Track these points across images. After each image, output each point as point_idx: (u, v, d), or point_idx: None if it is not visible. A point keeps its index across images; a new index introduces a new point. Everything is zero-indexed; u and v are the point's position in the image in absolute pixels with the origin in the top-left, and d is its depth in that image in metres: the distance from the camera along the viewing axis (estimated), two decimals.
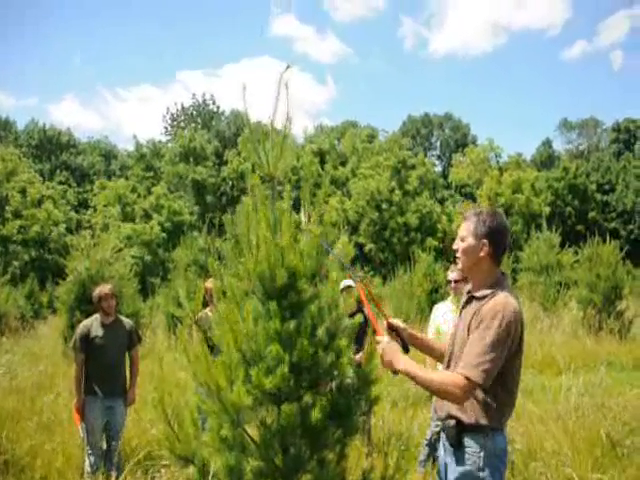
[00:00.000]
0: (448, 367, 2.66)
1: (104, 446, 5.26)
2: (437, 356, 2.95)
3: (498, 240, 2.61)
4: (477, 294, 2.61)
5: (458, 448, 2.53)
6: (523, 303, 16.37)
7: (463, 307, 2.72)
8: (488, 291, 2.57)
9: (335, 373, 2.67)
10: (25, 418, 6.15)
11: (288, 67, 2.83)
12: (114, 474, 4.75)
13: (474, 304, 2.61)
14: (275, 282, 2.56)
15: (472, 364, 2.39)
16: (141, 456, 5.02)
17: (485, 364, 2.38)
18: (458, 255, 2.69)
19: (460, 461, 2.53)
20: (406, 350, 2.70)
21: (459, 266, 2.72)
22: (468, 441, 2.52)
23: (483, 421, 2.50)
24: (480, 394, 2.50)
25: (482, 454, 2.49)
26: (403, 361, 2.52)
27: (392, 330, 2.77)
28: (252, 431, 2.60)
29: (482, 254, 2.60)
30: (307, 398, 2.51)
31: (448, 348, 2.73)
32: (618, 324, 12.91)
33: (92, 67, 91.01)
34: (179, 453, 2.60)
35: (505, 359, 2.46)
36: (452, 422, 2.56)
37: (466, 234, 2.65)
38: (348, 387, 2.71)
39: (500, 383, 2.49)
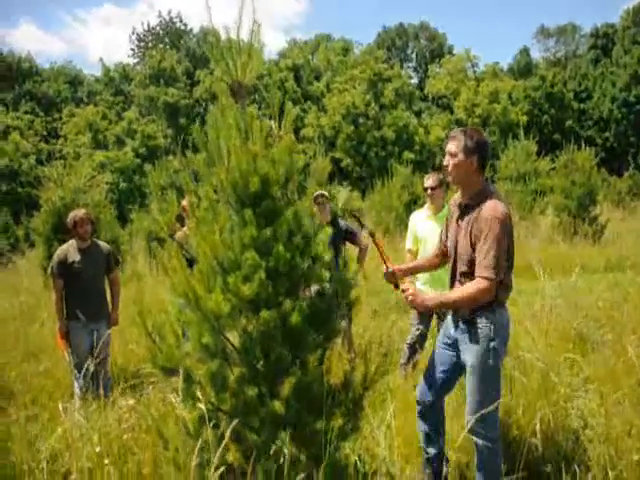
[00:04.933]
0: (455, 265, 3.10)
1: (92, 368, 5.33)
2: (425, 269, 3.69)
3: (484, 153, 3.00)
4: (469, 202, 3.01)
5: (472, 325, 2.97)
6: None
7: (459, 218, 3.09)
8: (478, 199, 2.97)
9: (313, 278, 2.68)
10: (10, 348, 6.17)
11: None
12: (104, 393, 4.84)
13: (469, 214, 3.00)
14: (248, 189, 2.50)
15: (486, 266, 2.84)
16: (128, 375, 5.10)
17: (495, 262, 2.83)
18: (449, 170, 3.04)
19: (474, 335, 2.96)
20: (396, 287, 3.25)
21: (450, 179, 3.10)
22: (480, 318, 2.96)
23: (492, 299, 2.92)
24: None
25: (492, 327, 2.93)
26: (432, 298, 3.05)
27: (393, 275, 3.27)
28: (233, 339, 2.63)
29: (472, 167, 2.98)
30: (286, 304, 2.52)
31: (451, 251, 3.14)
32: (592, 229, 13.19)
33: None
34: (162, 364, 2.62)
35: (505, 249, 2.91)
36: None
37: (456, 150, 2.99)
38: (327, 291, 2.74)
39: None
